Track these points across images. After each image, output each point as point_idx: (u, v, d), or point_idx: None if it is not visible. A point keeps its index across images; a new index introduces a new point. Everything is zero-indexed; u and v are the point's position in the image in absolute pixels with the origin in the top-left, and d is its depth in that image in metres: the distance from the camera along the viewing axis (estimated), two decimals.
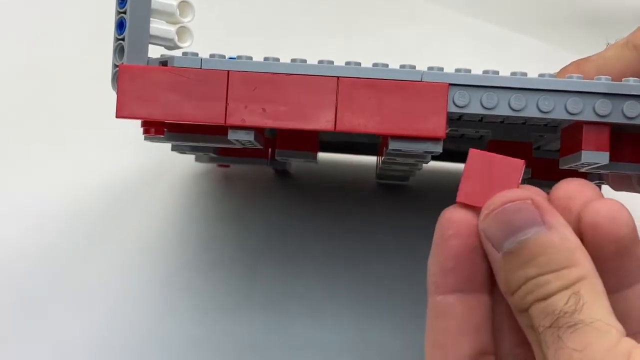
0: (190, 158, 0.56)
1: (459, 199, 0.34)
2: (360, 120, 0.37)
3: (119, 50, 0.39)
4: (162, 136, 0.39)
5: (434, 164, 0.56)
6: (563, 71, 0.42)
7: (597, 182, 0.48)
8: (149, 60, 0.38)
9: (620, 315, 0.32)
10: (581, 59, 0.42)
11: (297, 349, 0.55)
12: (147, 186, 0.58)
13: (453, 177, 0.55)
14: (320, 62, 0.37)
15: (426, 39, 0.65)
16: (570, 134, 0.39)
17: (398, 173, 0.52)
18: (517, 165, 0.34)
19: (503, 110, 0.37)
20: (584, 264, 0.32)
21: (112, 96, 0.39)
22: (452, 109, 0.37)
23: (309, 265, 0.56)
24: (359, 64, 0.37)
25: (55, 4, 0.63)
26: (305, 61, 0.38)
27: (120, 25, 0.39)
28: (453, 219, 0.34)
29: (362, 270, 0.56)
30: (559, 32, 0.66)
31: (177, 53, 0.39)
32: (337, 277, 0.56)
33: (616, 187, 0.46)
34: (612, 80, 0.37)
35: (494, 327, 0.35)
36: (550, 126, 0.43)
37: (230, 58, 0.38)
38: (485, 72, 0.37)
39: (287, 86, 0.37)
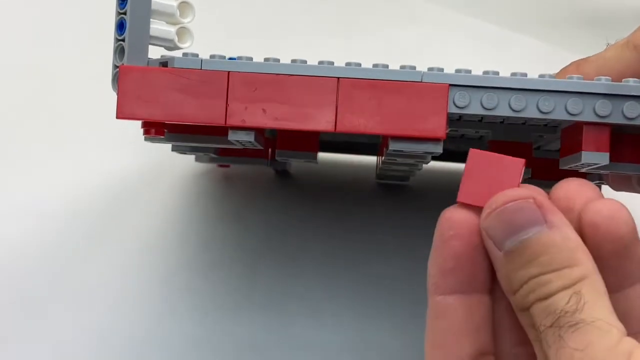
0: (190, 158, 0.56)
1: (459, 198, 0.34)
2: (361, 120, 0.37)
3: (119, 51, 0.39)
4: (162, 137, 0.39)
5: (434, 164, 0.56)
6: (563, 72, 0.42)
7: (597, 182, 0.48)
8: (149, 61, 0.38)
9: (621, 314, 0.32)
10: (581, 60, 0.42)
11: (297, 349, 0.55)
12: (147, 186, 0.58)
13: (453, 177, 0.55)
14: (320, 62, 0.37)
15: (426, 39, 0.65)
16: (570, 135, 0.39)
17: (398, 173, 0.52)
18: (518, 164, 0.34)
19: (503, 111, 0.37)
20: (586, 264, 0.32)
21: (112, 96, 0.39)
22: (453, 109, 0.37)
23: (309, 265, 0.56)
24: (359, 64, 0.37)
25: (55, 4, 0.63)
26: (305, 62, 0.38)
27: (121, 26, 0.39)
28: (453, 219, 0.34)
29: (362, 270, 0.56)
30: (559, 32, 0.66)
31: (177, 54, 0.39)
32: (337, 277, 0.56)
33: (616, 188, 0.46)
34: (612, 80, 0.37)
35: (494, 327, 0.35)
36: (550, 126, 0.43)
37: (231, 59, 0.38)
38: (485, 72, 0.37)
39: (288, 87, 0.37)
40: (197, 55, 0.38)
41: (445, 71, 0.37)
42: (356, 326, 0.55)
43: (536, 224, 0.33)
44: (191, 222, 0.58)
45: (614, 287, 0.33)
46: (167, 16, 0.40)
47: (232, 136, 0.38)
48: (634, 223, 0.33)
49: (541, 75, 0.37)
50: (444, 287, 0.34)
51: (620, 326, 0.32)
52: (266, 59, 0.38)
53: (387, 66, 0.37)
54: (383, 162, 0.46)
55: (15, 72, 0.61)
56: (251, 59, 0.38)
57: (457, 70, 0.37)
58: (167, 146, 0.48)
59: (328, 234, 0.57)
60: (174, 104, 0.37)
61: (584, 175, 0.45)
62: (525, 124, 0.42)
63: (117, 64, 0.39)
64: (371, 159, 0.57)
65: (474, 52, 0.64)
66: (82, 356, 0.55)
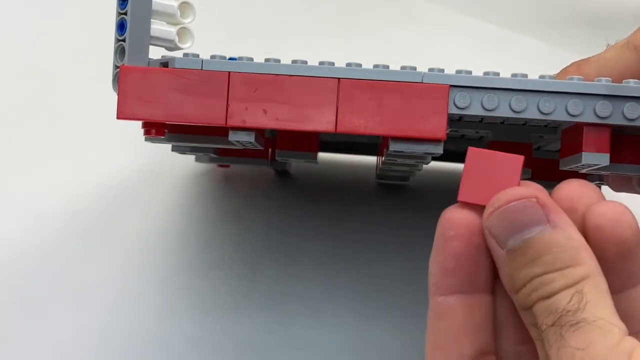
0: (190, 158, 0.56)
1: (460, 197, 0.34)
2: (361, 121, 0.37)
3: (120, 51, 0.39)
4: (162, 137, 0.39)
5: (434, 164, 0.56)
6: (563, 72, 0.42)
7: (597, 182, 0.48)
8: (150, 61, 0.38)
9: (623, 314, 0.32)
10: (581, 60, 0.42)
11: (297, 349, 0.55)
12: (147, 186, 0.58)
13: (453, 177, 0.55)
14: (321, 63, 0.37)
15: (426, 39, 0.65)
16: (571, 136, 0.39)
17: (398, 173, 0.52)
18: (517, 161, 0.34)
19: (504, 112, 0.37)
20: (589, 263, 0.32)
21: (112, 96, 0.39)
22: (453, 110, 0.37)
23: (309, 265, 0.56)
24: (360, 65, 0.37)
25: (55, 4, 0.63)
26: (306, 62, 0.38)
27: (121, 27, 0.39)
28: (454, 218, 0.34)
29: (362, 270, 0.56)
30: (559, 32, 0.66)
31: (177, 54, 0.39)
32: (337, 277, 0.56)
33: (616, 188, 0.46)
34: (613, 81, 0.37)
35: (496, 325, 0.35)
36: (550, 127, 0.43)
37: (231, 59, 0.38)
38: (485, 73, 0.37)
39: (288, 87, 0.37)
40: (197, 55, 0.38)
41: (445, 72, 0.37)
42: (356, 326, 0.55)
43: (539, 223, 0.33)
44: (191, 222, 0.58)
45: (617, 287, 0.33)
46: (168, 16, 0.40)
47: (233, 137, 0.38)
48: (637, 226, 0.33)
49: (542, 76, 0.37)
50: (444, 287, 0.34)
51: (621, 325, 0.32)
52: (267, 60, 0.38)
53: (387, 67, 0.37)
54: (383, 163, 0.46)
55: (15, 72, 0.61)
56: (252, 59, 0.38)
57: (458, 71, 0.37)
58: (167, 146, 0.48)
59: (328, 234, 0.57)
60: (174, 104, 0.37)
61: (584, 176, 0.45)
62: (526, 125, 0.42)
63: (118, 64, 0.39)
64: (371, 159, 0.57)
65: (474, 52, 0.64)
66: (82, 356, 0.55)
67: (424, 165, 0.47)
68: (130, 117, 0.37)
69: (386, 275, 0.56)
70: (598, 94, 0.37)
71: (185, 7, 0.40)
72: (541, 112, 0.37)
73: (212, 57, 0.38)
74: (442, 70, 0.37)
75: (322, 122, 0.37)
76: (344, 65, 0.37)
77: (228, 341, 0.55)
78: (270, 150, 0.52)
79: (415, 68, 0.37)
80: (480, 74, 0.37)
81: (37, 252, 0.56)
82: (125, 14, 0.38)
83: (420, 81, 0.37)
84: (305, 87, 0.37)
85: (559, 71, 0.43)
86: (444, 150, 0.38)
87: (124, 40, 0.38)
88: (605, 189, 0.47)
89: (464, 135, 0.47)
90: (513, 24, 0.66)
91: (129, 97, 0.37)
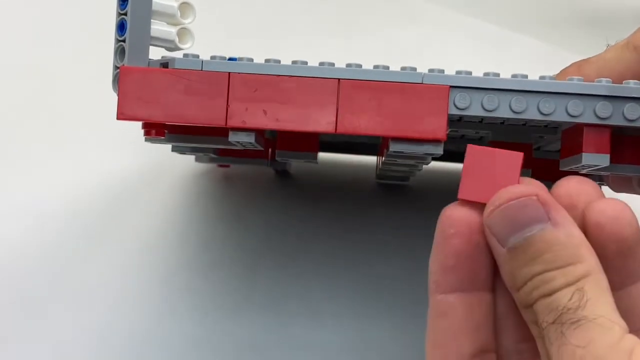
0: (190, 158, 0.56)
1: (460, 195, 0.34)
2: (361, 122, 0.37)
3: (120, 52, 0.39)
4: (162, 138, 0.39)
5: (434, 164, 0.56)
6: (563, 73, 0.42)
7: (597, 183, 0.48)
8: (150, 61, 0.38)
9: (624, 312, 0.32)
10: (581, 61, 0.42)
11: (297, 349, 0.55)
12: (147, 186, 0.58)
13: (453, 177, 0.55)
14: (321, 64, 0.37)
15: (426, 39, 0.65)
16: (571, 136, 0.39)
17: (398, 173, 0.52)
18: (517, 158, 0.34)
19: (504, 113, 0.37)
20: (589, 261, 0.32)
21: (112, 96, 0.39)
22: (453, 111, 0.37)
23: (309, 265, 0.56)
24: (360, 66, 0.37)
25: (55, 4, 0.63)
26: (306, 63, 0.38)
27: (121, 27, 0.39)
28: (454, 216, 0.34)
29: (362, 270, 0.56)
30: (559, 32, 0.66)
31: (178, 54, 0.39)
32: (337, 277, 0.56)
33: (616, 189, 0.47)
34: (613, 81, 0.37)
35: (497, 323, 0.35)
36: (550, 127, 0.43)
37: (231, 59, 0.38)
38: (486, 74, 0.37)
39: (288, 88, 0.37)
40: (197, 56, 0.38)
41: (445, 72, 0.37)
42: (356, 326, 0.55)
43: (540, 221, 0.33)
44: (191, 222, 0.58)
45: (617, 285, 0.33)
46: (168, 17, 0.40)
47: (233, 137, 0.38)
48: (637, 223, 0.33)
49: (542, 77, 0.37)
50: (444, 285, 0.34)
51: (622, 323, 0.32)
52: (267, 60, 0.38)
53: (387, 67, 0.37)
54: (383, 163, 0.46)
55: (15, 72, 0.61)
56: (252, 60, 0.38)
57: (458, 72, 0.37)
58: (167, 146, 0.48)
59: (328, 234, 0.57)
60: (174, 105, 0.37)
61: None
62: (526, 125, 0.42)
63: (118, 65, 0.38)
64: (371, 159, 0.57)
65: (474, 52, 0.64)
66: (82, 356, 0.55)
67: (424, 165, 0.47)
68: (130, 117, 0.37)
69: (386, 275, 0.56)
70: (598, 95, 0.37)
71: (185, 7, 0.40)
72: (541, 113, 0.37)
73: (212, 57, 0.38)
74: (442, 71, 0.37)
75: (322, 122, 0.37)
76: (344, 66, 0.37)
77: (228, 341, 0.55)
78: (270, 150, 0.52)
79: (415, 69, 0.37)
80: (481, 74, 0.37)
81: (37, 252, 0.56)
82: (125, 14, 0.38)
83: (421, 82, 0.37)
84: (305, 87, 0.37)
85: (559, 71, 0.43)
86: (444, 150, 0.38)
87: (124, 41, 0.38)
88: (605, 189, 0.47)
89: (464, 135, 0.47)
90: (513, 24, 0.66)
91: (129, 98, 0.37)
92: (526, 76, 0.37)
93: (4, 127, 0.59)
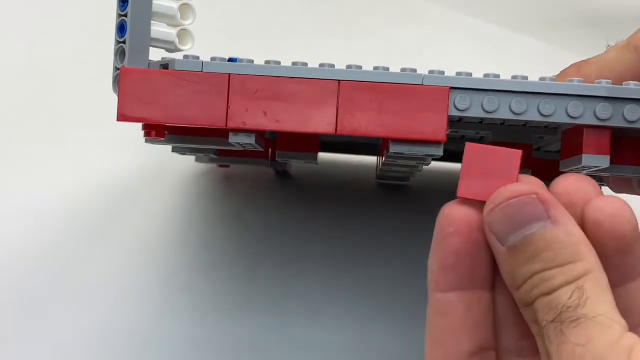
0: (190, 158, 0.56)
1: (459, 193, 0.34)
2: (361, 123, 0.37)
3: (120, 53, 0.39)
4: (162, 139, 0.39)
5: (434, 164, 0.55)
6: (563, 74, 0.42)
7: (597, 183, 0.48)
8: (150, 63, 0.38)
9: (622, 309, 0.32)
10: (581, 61, 0.42)
11: (297, 349, 0.55)
12: (147, 186, 0.58)
13: (453, 177, 0.55)
14: (321, 65, 0.37)
15: (426, 39, 0.65)
16: (571, 137, 0.39)
17: (398, 174, 0.52)
18: (515, 156, 0.34)
19: (504, 114, 0.37)
20: (589, 259, 0.32)
21: (113, 96, 0.39)
22: (453, 112, 0.37)
23: (308, 265, 0.56)
24: (360, 67, 0.37)
25: (55, 4, 0.63)
26: (306, 64, 0.38)
27: (121, 28, 0.39)
28: (452, 215, 0.34)
29: (362, 270, 0.56)
30: (559, 32, 0.66)
31: (178, 55, 0.39)
32: (337, 277, 0.56)
33: (616, 189, 0.47)
34: (613, 82, 0.37)
35: (497, 321, 0.35)
36: (550, 128, 0.43)
37: (231, 59, 0.38)
38: (486, 75, 0.37)
39: (288, 89, 0.37)
40: (197, 57, 0.38)
41: (445, 74, 0.37)
42: (356, 327, 0.55)
43: (540, 219, 0.33)
44: (191, 222, 0.58)
45: (616, 282, 0.33)
46: (168, 18, 0.40)
47: (233, 138, 0.38)
48: (636, 221, 0.33)
49: (542, 78, 0.37)
50: (443, 283, 0.34)
51: (622, 321, 0.32)
52: (267, 62, 0.38)
53: (387, 69, 0.37)
54: (383, 164, 0.46)
55: (15, 72, 0.61)
56: (252, 61, 0.38)
57: (458, 73, 0.37)
58: (167, 146, 0.48)
59: (328, 234, 0.57)
60: (174, 106, 0.37)
61: None
62: (526, 126, 0.42)
63: (118, 66, 0.38)
64: (371, 159, 0.57)
65: (474, 52, 0.64)
66: (82, 356, 0.55)
67: (424, 166, 0.47)
68: (130, 119, 0.37)
69: (386, 276, 0.56)
70: (598, 96, 0.37)
71: (185, 8, 0.40)
72: (541, 114, 0.37)
73: (212, 59, 0.38)
74: (442, 72, 0.37)
75: (322, 124, 0.37)
76: (344, 67, 0.37)
77: (228, 341, 0.55)
78: (270, 150, 0.52)
79: (415, 70, 0.37)
80: (481, 75, 0.37)
81: (37, 252, 0.56)
82: (126, 15, 0.38)
83: (421, 83, 0.37)
84: (305, 89, 0.37)
85: (559, 72, 0.43)
86: (444, 149, 0.38)
87: (124, 42, 0.38)
88: (605, 190, 0.47)
89: (464, 135, 0.47)
90: (513, 24, 0.66)
91: (129, 99, 0.37)
92: (526, 77, 0.37)
93: (4, 127, 0.59)
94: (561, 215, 0.33)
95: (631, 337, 0.31)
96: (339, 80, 0.37)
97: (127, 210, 0.58)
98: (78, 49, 0.61)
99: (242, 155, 0.51)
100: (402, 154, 0.38)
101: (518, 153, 0.34)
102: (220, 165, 0.58)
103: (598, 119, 0.37)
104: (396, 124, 0.37)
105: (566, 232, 0.32)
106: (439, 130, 0.37)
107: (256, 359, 0.55)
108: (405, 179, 0.55)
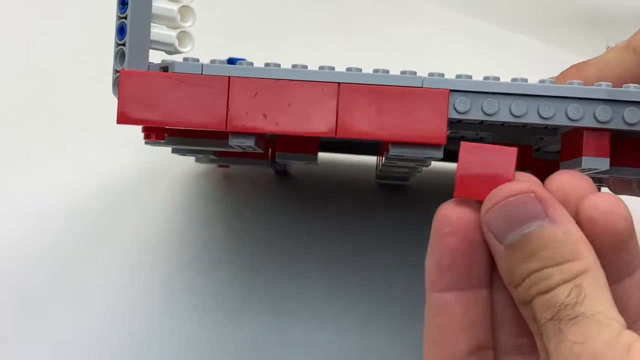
0: (190, 158, 0.56)
1: (456, 194, 0.34)
2: (361, 126, 0.37)
3: (120, 56, 0.39)
4: (162, 141, 0.39)
5: (434, 164, 0.55)
6: (563, 75, 0.42)
7: (597, 185, 0.48)
8: (150, 65, 0.38)
9: (618, 306, 0.32)
10: (581, 63, 0.42)
11: (297, 350, 0.55)
12: (147, 186, 0.58)
13: (453, 177, 0.55)
14: (321, 67, 0.37)
15: (426, 38, 0.65)
16: (571, 139, 0.39)
17: (398, 174, 0.52)
18: (511, 154, 0.34)
19: (504, 116, 0.37)
20: (587, 257, 0.32)
21: (112, 96, 0.39)
22: (453, 114, 0.37)
23: (308, 265, 0.56)
24: (360, 69, 0.37)
25: (55, 4, 0.63)
26: (306, 67, 0.38)
27: (121, 31, 0.39)
28: (449, 215, 0.34)
29: (362, 271, 0.56)
30: (559, 32, 0.66)
31: (178, 58, 0.39)
32: (337, 278, 0.56)
33: (616, 191, 0.47)
34: (613, 83, 0.37)
35: (495, 319, 0.35)
36: (550, 129, 0.43)
37: (230, 59, 0.38)
38: (485, 78, 0.37)
39: (288, 92, 0.37)
40: (197, 60, 0.38)
41: (445, 76, 0.37)
42: (356, 328, 0.55)
43: (538, 217, 0.33)
44: (191, 222, 0.58)
45: (611, 279, 0.33)
46: (168, 20, 0.40)
47: (233, 141, 0.38)
48: (631, 217, 0.33)
49: (542, 81, 0.37)
50: (440, 283, 0.34)
51: (620, 319, 0.32)
52: (267, 64, 0.38)
53: (387, 71, 0.37)
54: (383, 165, 0.46)
55: (15, 72, 0.61)
56: (252, 64, 0.38)
57: (458, 76, 0.37)
58: (167, 147, 0.48)
59: (328, 234, 0.57)
60: (174, 109, 0.37)
61: None
62: (526, 127, 0.42)
63: (118, 69, 0.38)
64: (371, 159, 0.57)
65: (474, 52, 0.64)
66: (82, 356, 0.55)
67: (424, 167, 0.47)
68: (130, 121, 0.37)
69: (386, 276, 0.56)
70: (598, 99, 0.37)
71: (185, 10, 0.40)
72: (541, 117, 0.37)
73: (212, 61, 0.38)
74: (442, 75, 0.37)
75: (322, 126, 0.37)
76: (344, 70, 0.37)
77: (228, 341, 0.55)
78: (270, 150, 0.52)
79: (415, 73, 0.37)
80: (480, 78, 0.37)
81: (37, 252, 0.56)
82: (125, 18, 0.38)
83: (420, 86, 0.37)
84: (305, 91, 0.37)
85: (558, 73, 0.43)
86: (444, 149, 0.38)
87: (124, 45, 0.38)
88: (605, 190, 0.47)
89: (464, 136, 0.47)
90: (513, 24, 0.66)
91: (129, 102, 0.37)
92: (526, 80, 0.37)
93: (4, 127, 0.59)
94: (559, 214, 0.33)
95: (629, 334, 0.31)
96: (338, 83, 0.37)
97: (127, 210, 0.58)
98: (78, 49, 0.61)
99: (242, 155, 0.51)
100: (402, 156, 0.38)
101: (514, 151, 0.34)
102: (220, 166, 0.58)
103: (598, 121, 0.37)
104: (396, 127, 0.37)
105: (564, 231, 0.32)
106: (439, 133, 0.37)
107: (256, 359, 0.55)
108: (405, 179, 0.55)
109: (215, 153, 0.50)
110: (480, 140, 0.48)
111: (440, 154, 0.37)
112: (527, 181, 0.34)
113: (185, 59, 0.38)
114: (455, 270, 0.34)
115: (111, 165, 0.59)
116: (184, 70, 0.37)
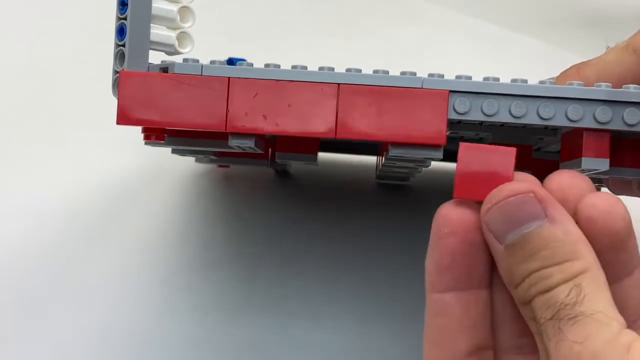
0: (190, 158, 0.56)
1: (456, 195, 0.34)
2: (361, 127, 0.37)
3: (120, 57, 0.39)
4: (162, 142, 0.39)
5: (434, 164, 0.55)
6: (563, 76, 0.42)
7: (597, 185, 0.48)
8: (150, 66, 0.38)
9: (617, 305, 0.32)
10: (581, 63, 0.42)
11: (297, 350, 0.55)
12: (147, 186, 0.58)
13: (453, 177, 0.55)
14: (320, 68, 0.37)
15: (426, 38, 0.65)
16: (571, 140, 0.39)
17: (398, 174, 0.52)
18: (510, 154, 0.34)
19: (504, 117, 0.37)
20: (587, 257, 0.32)
21: (112, 96, 0.39)
22: (453, 115, 0.37)
23: (308, 265, 0.56)
24: (360, 70, 0.37)
25: (55, 4, 0.63)
26: (305, 68, 0.38)
27: (121, 31, 0.39)
28: (448, 215, 0.34)
29: (362, 271, 0.56)
30: (559, 32, 0.66)
31: (177, 58, 0.39)
32: (337, 278, 0.56)
33: (616, 191, 0.46)
34: (613, 84, 0.37)
35: (495, 319, 0.35)
36: (550, 129, 0.43)
37: (230, 60, 0.38)
38: (485, 78, 0.37)
39: (288, 93, 0.37)
40: (197, 60, 0.38)
41: (445, 77, 0.37)
42: (356, 328, 0.55)
43: (537, 217, 0.33)
44: (191, 222, 0.58)
45: (610, 278, 0.33)
46: (168, 21, 0.40)
47: (233, 141, 0.38)
48: (629, 217, 0.33)
49: (541, 82, 0.37)
50: (440, 284, 0.34)
51: (620, 319, 0.32)
52: (266, 65, 0.38)
53: (387, 72, 0.37)
54: (383, 165, 0.46)
55: (15, 72, 0.61)
56: (251, 64, 0.38)
57: (458, 77, 0.37)
58: (167, 147, 0.48)
59: (328, 234, 0.57)
60: (174, 109, 0.37)
61: None
62: (526, 128, 0.42)
63: (118, 70, 0.38)
64: (371, 159, 0.57)
65: (474, 52, 0.64)
66: (82, 356, 0.55)
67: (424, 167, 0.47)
68: (130, 122, 0.37)
69: (386, 277, 0.56)
70: (598, 100, 0.37)
71: (184, 11, 0.40)
72: (541, 118, 0.37)
73: (212, 62, 0.38)
74: (442, 76, 0.37)
75: (321, 127, 0.37)
76: (343, 71, 0.37)
77: (228, 341, 0.55)
78: (270, 150, 0.52)
79: (415, 73, 0.37)
80: (480, 79, 0.37)
81: (37, 252, 0.56)
82: (125, 18, 0.38)
83: (420, 86, 0.37)
84: (305, 92, 0.37)
85: (558, 73, 0.43)
86: (444, 149, 0.38)
87: (123, 46, 0.38)
88: (605, 191, 0.47)
89: (464, 136, 0.47)
90: (513, 24, 0.66)
91: (129, 103, 0.37)
92: (526, 81, 0.37)
93: (4, 127, 0.59)
94: (559, 214, 0.33)
95: (629, 334, 0.31)
96: (338, 84, 0.37)
97: (127, 210, 0.58)
98: (78, 49, 0.61)
99: (242, 156, 0.51)
100: (402, 156, 0.38)
101: (512, 151, 0.34)
102: (220, 166, 0.58)
103: (598, 122, 0.37)
104: (396, 128, 0.37)
105: (564, 231, 0.33)
106: (439, 133, 0.37)
107: (256, 359, 0.55)
108: (405, 179, 0.55)
109: (215, 153, 0.50)
110: (480, 140, 0.48)
111: (440, 154, 0.37)
112: (526, 181, 0.34)
113: (185, 60, 0.38)
114: (455, 271, 0.34)
115: (111, 165, 0.59)
116: (183, 71, 0.37)
